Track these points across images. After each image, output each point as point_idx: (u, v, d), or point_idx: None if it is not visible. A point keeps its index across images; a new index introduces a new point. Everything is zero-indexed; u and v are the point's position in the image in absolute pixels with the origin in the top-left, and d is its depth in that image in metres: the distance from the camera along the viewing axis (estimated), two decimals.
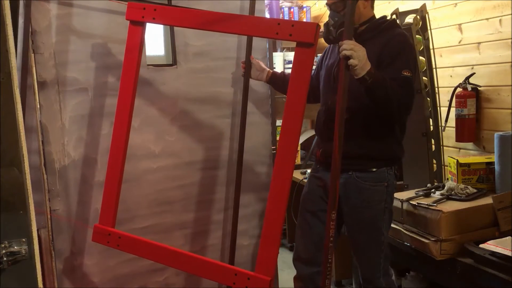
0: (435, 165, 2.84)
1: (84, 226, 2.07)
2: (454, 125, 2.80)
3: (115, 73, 2.07)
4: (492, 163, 2.47)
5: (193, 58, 2.29)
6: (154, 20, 1.87)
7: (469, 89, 2.71)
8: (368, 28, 2.05)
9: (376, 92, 1.86)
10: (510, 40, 2.54)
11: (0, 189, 1.10)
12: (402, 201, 2.41)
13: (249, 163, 2.42)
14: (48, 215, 2.00)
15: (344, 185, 2.05)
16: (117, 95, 1.91)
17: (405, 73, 1.92)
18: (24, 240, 1.13)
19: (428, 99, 2.80)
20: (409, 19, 2.79)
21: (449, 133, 2.90)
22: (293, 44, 1.68)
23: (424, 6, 2.80)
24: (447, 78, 2.95)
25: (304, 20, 4.18)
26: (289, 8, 4.24)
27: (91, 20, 2.07)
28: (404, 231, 2.39)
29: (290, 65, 3.20)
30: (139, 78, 1.95)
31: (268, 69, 2.33)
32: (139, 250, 1.86)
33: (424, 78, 2.78)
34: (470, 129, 2.74)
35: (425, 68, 2.80)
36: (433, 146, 2.83)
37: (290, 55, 4.07)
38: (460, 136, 2.79)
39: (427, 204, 2.28)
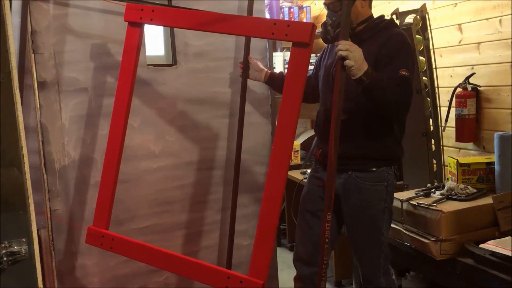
0: (435, 165, 2.84)
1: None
2: (454, 125, 2.80)
3: (115, 73, 2.06)
4: (492, 163, 2.47)
5: (193, 58, 2.29)
6: (152, 22, 1.86)
7: (469, 89, 2.71)
8: (366, 28, 2.04)
9: (374, 93, 1.85)
10: (510, 40, 2.54)
11: (0, 189, 1.10)
12: (402, 201, 2.41)
13: (249, 163, 2.42)
14: (48, 215, 2.00)
15: (344, 185, 2.05)
16: None
17: (403, 73, 1.91)
18: (24, 240, 1.13)
19: (428, 99, 2.79)
20: (409, 19, 2.79)
21: (449, 133, 2.90)
22: None
23: (424, 6, 2.80)
24: (447, 78, 2.95)
25: (304, 20, 4.18)
26: (289, 8, 4.24)
27: (91, 20, 2.07)
28: (404, 231, 2.39)
29: None
30: (139, 78, 1.95)
31: (266, 70, 2.32)
32: (132, 252, 1.84)
33: (424, 78, 2.78)
34: (470, 129, 2.74)
35: (425, 68, 2.79)
36: (433, 146, 2.83)
37: None
38: (460, 136, 2.79)
39: (427, 204, 2.28)
